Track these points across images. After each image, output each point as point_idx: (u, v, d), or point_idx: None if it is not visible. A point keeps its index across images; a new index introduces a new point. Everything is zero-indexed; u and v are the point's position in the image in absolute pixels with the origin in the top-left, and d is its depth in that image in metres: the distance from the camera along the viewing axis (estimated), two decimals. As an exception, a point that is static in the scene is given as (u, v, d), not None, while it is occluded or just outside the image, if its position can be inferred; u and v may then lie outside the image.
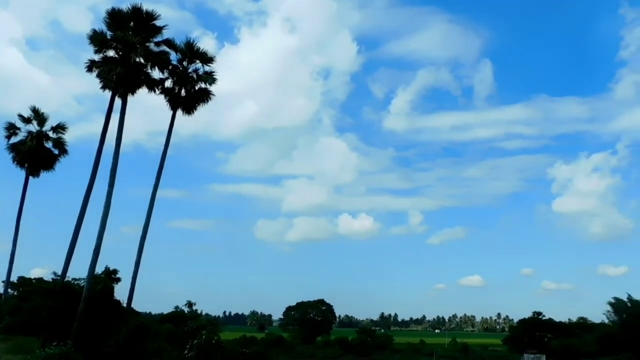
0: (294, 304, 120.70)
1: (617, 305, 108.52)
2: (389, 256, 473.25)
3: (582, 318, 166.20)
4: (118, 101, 28.90)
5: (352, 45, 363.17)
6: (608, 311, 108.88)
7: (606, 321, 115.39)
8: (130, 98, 29.16)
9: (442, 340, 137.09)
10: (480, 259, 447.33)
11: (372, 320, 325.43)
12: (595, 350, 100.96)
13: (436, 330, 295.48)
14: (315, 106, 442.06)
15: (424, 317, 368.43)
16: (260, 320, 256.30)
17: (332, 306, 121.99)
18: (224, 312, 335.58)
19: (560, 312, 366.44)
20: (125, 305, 29.34)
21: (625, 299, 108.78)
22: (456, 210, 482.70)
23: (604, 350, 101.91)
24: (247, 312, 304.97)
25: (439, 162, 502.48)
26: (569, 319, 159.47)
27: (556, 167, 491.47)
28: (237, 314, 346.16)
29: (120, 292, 32.19)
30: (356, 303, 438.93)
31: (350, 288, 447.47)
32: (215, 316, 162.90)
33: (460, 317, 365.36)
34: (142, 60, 28.63)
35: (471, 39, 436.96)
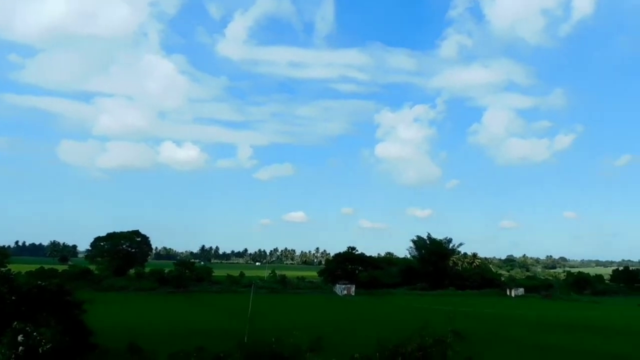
0: (104, 234, 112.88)
1: (419, 242, 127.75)
2: (214, 189, 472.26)
3: (389, 253, 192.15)
4: None
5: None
6: (411, 247, 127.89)
7: (409, 256, 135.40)
8: None
9: (262, 273, 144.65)
10: (306, 196, 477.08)
11: (191, 253, 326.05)
12: (398, 281, 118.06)
13: (257, 263, 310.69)
14: (140, 18, 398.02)
15: (245, 250, 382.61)
16: (62, 252, 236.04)
17: (148, 238, 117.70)
18: (17, 242, 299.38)
19: (373, 248, 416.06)
20: None
21: (425, 237, 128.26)
22: (286, 147, 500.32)
23: (404, 280, 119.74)
24: (46, 243, 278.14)
25: (274, 98, 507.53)
26: (379, 254, 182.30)
27: (382, 114, 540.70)
28: (33, 245, 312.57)
29: None
30: (176, 236, 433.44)
31: (171, 220, 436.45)
32: (4, 246, 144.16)
33: (281, 251, 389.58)
34: None
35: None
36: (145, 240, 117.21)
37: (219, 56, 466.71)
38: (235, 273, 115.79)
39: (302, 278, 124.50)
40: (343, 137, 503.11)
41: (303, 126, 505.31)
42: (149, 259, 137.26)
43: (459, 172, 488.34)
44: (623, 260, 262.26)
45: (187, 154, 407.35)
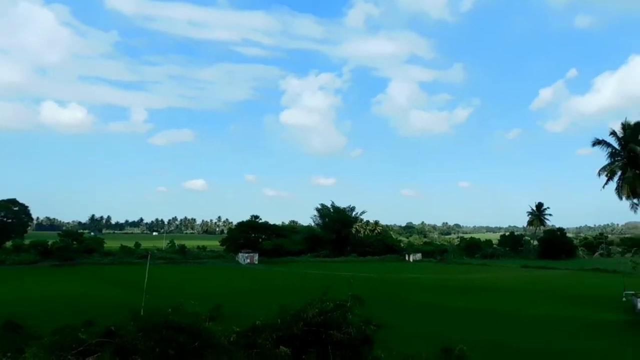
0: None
1: (323, 211, 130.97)
2: (105, 154, 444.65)
3: (293, 221, 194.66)
4: None
5: None
6: (315, 215, 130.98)
7: (313, 224, 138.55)
8: None
9: (159, 243, 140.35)
10: (207, 163, 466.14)
11: (79, 223, 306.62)
12: (301, 249, 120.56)
13: (154, 233, 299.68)
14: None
15: (141, 219, 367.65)
16: None
17: (27, 207, 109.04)
18: None
19: (277, 216, 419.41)
20: None
21: (329, 205, 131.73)
22: (186, 112, 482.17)
23: (308, 248, 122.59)
24: None
25: (172, 58, 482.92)
26: (283, 222, 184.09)
27: (288, 80, 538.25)
28: None
29: None
30: (61, 205, 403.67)
31: (55, 188, 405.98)
32: None
33: (181, 220, 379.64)
34: None
35: None
36: (24, 209, 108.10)
37: (108, 8, 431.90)
38: (130, 244, 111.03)
39: (203, 248, 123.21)
40: (246, 102, 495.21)
41: (204, 90, 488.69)
42: (29, 229, 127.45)
43: (363, 141, 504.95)
44: (509, 226, 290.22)
45: (72, 115, 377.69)
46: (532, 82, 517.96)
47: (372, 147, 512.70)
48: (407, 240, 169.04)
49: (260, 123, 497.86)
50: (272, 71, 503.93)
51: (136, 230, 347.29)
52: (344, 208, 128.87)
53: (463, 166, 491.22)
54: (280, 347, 11.25)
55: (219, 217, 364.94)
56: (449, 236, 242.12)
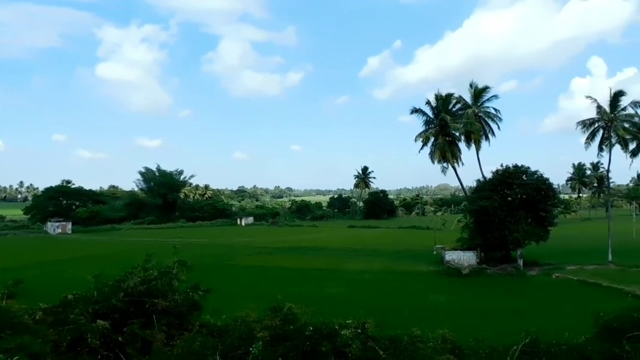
0: None
1: (147, 174, 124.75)
2: None
3: (113, 186, 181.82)
4: None
5: None
6: (138, 179, 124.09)
7: (136, 189, 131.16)
8: None
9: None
10: (4, 118, 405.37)
11: None
12: (123, 216, 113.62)
13: None
14: None
15: None
16: None
17: None
18: None
19: (94, 181, 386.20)
20: None
21: (155, 169, 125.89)
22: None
23: (131, 215, 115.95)
24: None
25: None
26: (101, 187, 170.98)
27: (105, 29, 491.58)
28: None
29: None
30: None
31: None
32: None
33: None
34: None
35: None
36: None
37: None
38: None
39: (2, 217, 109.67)
40: (54, 51, 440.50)
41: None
42: None
43: (192, 101, 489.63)
44: (338, 189, 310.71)
45: None
46: (361, 51, 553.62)
47: (201, 107, 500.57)
48: (239, 204, 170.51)
49: (71, 76, 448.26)
50: (86, 17, 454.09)
51: None
52: (171, 172, 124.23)
53: (295, 130, 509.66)
54: (98, 321, 10.59)
55: (21, 183, 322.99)
56: (280, 199, 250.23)
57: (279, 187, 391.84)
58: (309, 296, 27.34)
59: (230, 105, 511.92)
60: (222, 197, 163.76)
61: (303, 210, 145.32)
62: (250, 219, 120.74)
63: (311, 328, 9.87)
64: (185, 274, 13.15)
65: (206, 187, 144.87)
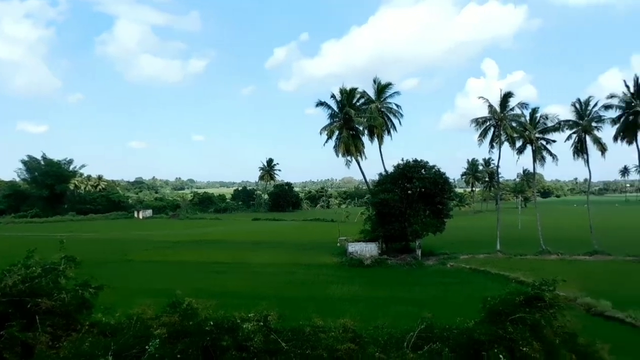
0: None
1: (31, 163, 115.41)
2: None
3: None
4: None
5: None
6: (20, 169, 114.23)
7: (17, 179, 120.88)
8: None
9: None
10: None
11: None
12: (2, 208, 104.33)
13: None
14: None
15: None
16: None
17: None
18: None
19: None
20: None
21: (40, 157, 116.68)
22: None
23: (11, 207, 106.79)
24: None
25: None
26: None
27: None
28: None
29: None
30: None
31: None
32: None
33: None
34: None
35: None
36: None
37: None
38: None
39: None
40: None
41: None
42: None
43: (84, 85, 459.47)
44: (243, 181, 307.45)
45: None
46: (268, 41, 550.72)
47: (94, 92, 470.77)
48: (136, 196, 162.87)
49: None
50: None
51: None
52: (59, 161, 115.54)
53: (198, 119, 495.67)
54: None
55: None
56: (182, 191, 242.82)
57: (180, 178, 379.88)
58: (211, 290, 26.88)
59: (127, 91, 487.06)
60: (118, 188, 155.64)
61: (206, 202, 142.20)
62: (149, 212, 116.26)
63: (212, 323, 9.71)
64: (74, 271, 12.33)
65: (99, 177, 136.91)
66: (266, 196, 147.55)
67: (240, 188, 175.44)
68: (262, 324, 9.80)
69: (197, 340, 9.30)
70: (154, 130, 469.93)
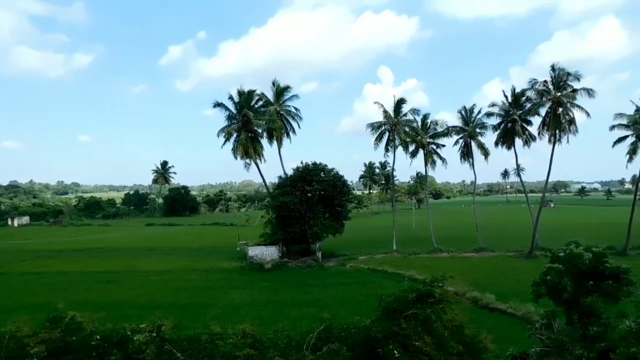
0: None
1: None
2: None
3: None
4: None
5: None
6: None
7: None
8: None
9: None
10: None
11: None
12: None
13: None
14: None
15: None
16: None
17: None
18: None
19: None
20: None
21: None
22: None
23: None
24: None
25: None
26: None
27: None
28: None
29: None
30: None
31: None
32: None
33: None
34: None
35: None
36: None
37: None
38: None
39: None
40: None
41: None
42: None
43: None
44: (135, 184, 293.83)
45: None
46: (162, 38, 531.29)
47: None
48: (10, 201, 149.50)
49: None
50: None
51: None
52: None
53: (83, 118, 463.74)
54: None
55: None
56: (65, 196, 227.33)
57: (62, 182, 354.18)
58: (99, 302, 25.50)
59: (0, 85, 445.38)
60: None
61: (93, 207, 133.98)
62: (26, 219, 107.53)
63: (98, 337, 9.16)
64: None
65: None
66: (161, 200, 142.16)
67: (132, 192, 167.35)
68: (155, 334, 9.40)
69: (82, 357, 8.74)
70: (32, 130, 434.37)
